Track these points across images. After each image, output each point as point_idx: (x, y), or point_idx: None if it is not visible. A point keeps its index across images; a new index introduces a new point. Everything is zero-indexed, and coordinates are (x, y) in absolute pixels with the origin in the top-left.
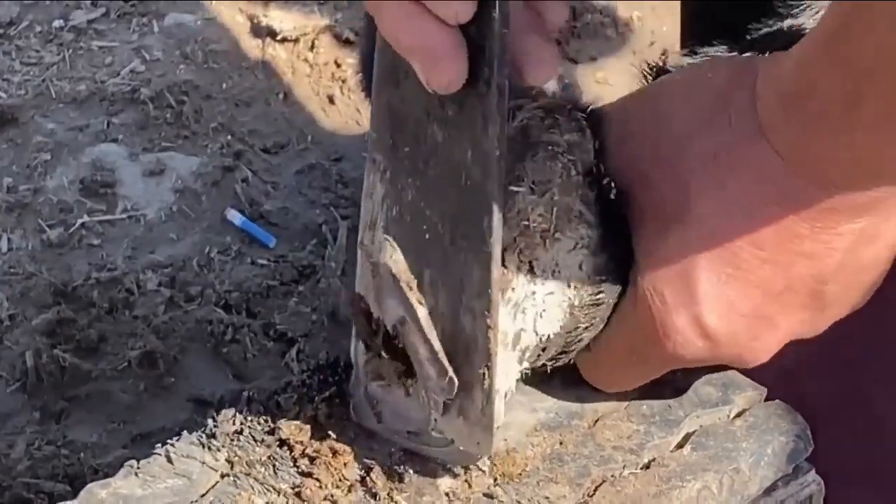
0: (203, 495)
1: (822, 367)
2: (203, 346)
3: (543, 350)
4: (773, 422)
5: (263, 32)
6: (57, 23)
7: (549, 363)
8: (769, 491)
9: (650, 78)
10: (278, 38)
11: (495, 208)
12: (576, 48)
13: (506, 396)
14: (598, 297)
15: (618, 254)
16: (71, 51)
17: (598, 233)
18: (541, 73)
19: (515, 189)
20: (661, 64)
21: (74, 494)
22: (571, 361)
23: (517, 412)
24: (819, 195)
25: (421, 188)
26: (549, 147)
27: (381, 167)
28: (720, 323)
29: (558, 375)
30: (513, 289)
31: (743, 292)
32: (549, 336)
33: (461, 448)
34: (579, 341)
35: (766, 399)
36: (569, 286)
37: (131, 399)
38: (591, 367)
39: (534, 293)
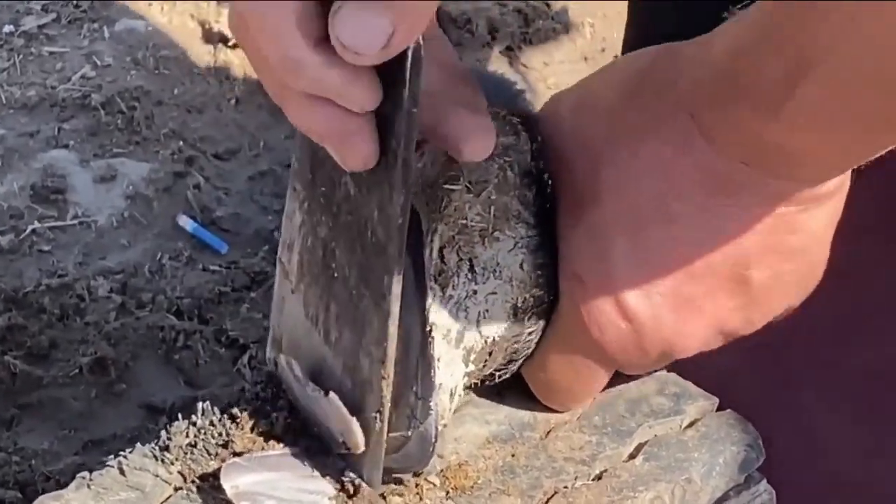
0: None
1: (757, 376)
2: (155, 353)
3: (490, 354)
4: (725, 431)
5: (215, 38)
6: (7, 28)
7: (499, 373)
8: (721, 501)
9: None
10: (230, 43)
11: (395, 271)
12: (527, 54)
13: (452, 394)
14: (540, 296)
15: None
16: (21, 56)
17: (538, 232)
18: (477, 146)
19: (452, 188)
20: None
21: (25, 501)
22: (517, 372)
23: (469, 425)
24: (737, 173)
25: (333, 228)
26: None
27: (300, 196)
28: (640, 303)
29: (511, 387)
30: (453, 286)
31: (661, 271)
32: (493, 339)
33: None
34: (527, 347)
35: (718, 409)
36: (511, 286)
37: (83, 406)
38: (541, 384)
39: (475, 292)
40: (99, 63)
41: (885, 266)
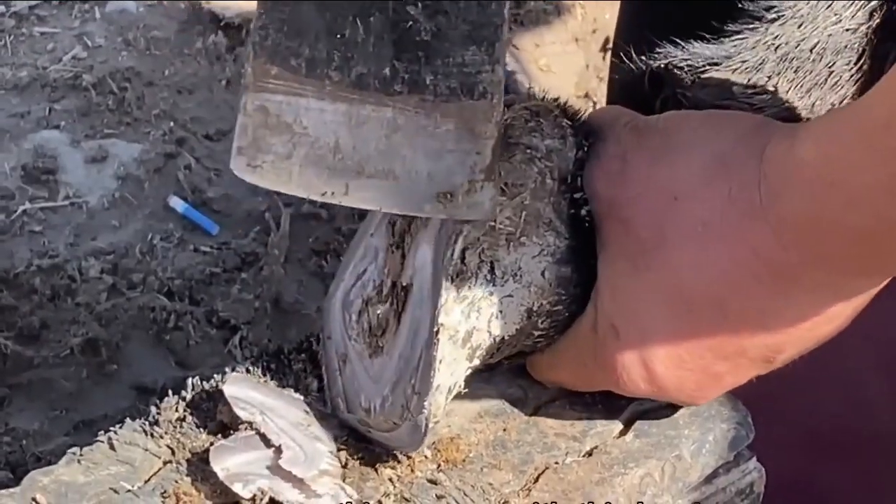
0: (146, 482)
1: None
2: (145, 334)
3: (498, 349)
4: (715, 409)
5: (206, 19)
6: None
7: (506, 361)
8: (710, 478)
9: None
10: (221, 24)
11: None
12: (518, 35)
13: (449, 392)
14: (556, 306)
15: (583, 266)
16: (12, 37)
17: (567, 243)
18: None
19: None
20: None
21: (16, 482)
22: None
23: (461, 399)
24: (802, 277)
25: None
26: (528, 150)
27: None
28: (667, 374)
29: (504, 363)
30: (469, 287)
31: (696, 351)
32: (503, 337)
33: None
34: (535, 345)
35: None
36: (529, 291)
37: (73, 386)
38: (540, 366)
39: (491, 294)
40: (90, 44)
41: None
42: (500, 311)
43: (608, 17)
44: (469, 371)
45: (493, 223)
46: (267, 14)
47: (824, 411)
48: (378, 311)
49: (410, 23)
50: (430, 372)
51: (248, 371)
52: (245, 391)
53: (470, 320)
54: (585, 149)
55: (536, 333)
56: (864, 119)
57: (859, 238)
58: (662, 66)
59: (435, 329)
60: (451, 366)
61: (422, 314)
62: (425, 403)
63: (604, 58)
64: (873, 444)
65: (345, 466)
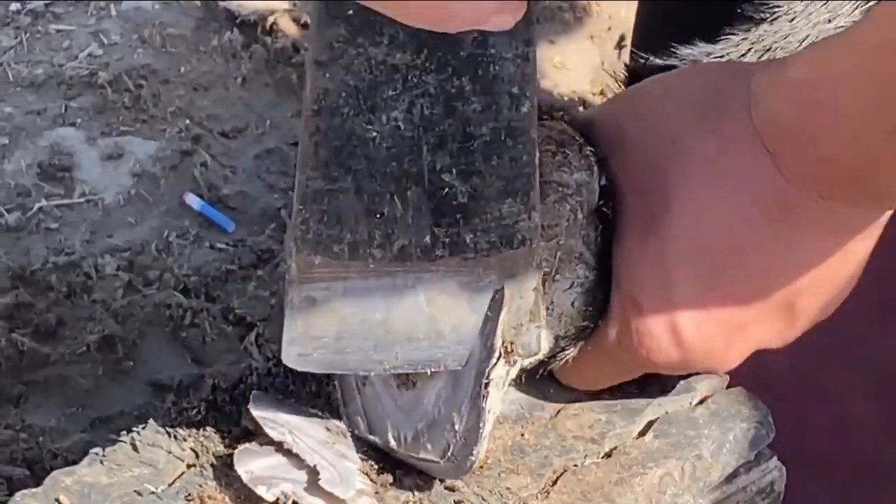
0: (170, 485)
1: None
2: (162, 331)
3: (522, 370)
4: (735, 408)
5: (221, 16)
6: (14, 6)
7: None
8: (731, 478)
9: (627, 80)
10: (237, 21)
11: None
12: None
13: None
14: (584, 327)
15: (609, 289)
16: (28, 34)
17: (595, 273)
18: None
19: None
20: (638, 66)
21: (33, 478)
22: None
23: None
24: (811, 206)
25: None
26: (560, 188)
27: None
28: (696, 333)
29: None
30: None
31: (720, 301)
32: (531, 363)
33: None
34: (562, 360)
35: (729, 385)
36: (559, 321)
37: (90, 383)
38: (568, 377)
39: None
40: (106, 41)
41: None
42: None
43: (623, 14)
44: (501, 395)
45: None
46: (306, 208)
47: (807, 429)
48: None
49: (447, 189)
50: (479, 423)
51: (269, 372)
52: (271, 412)
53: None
54: (606, 176)
55: (561, 354)
56: (855, 41)
57: (848, 159)
58: (666, 64)
59: (485, 382)
60: (495, 407)
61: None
62: (474, 451)
63: (619, 55)
64: (854, 466)
65: (365, 474)
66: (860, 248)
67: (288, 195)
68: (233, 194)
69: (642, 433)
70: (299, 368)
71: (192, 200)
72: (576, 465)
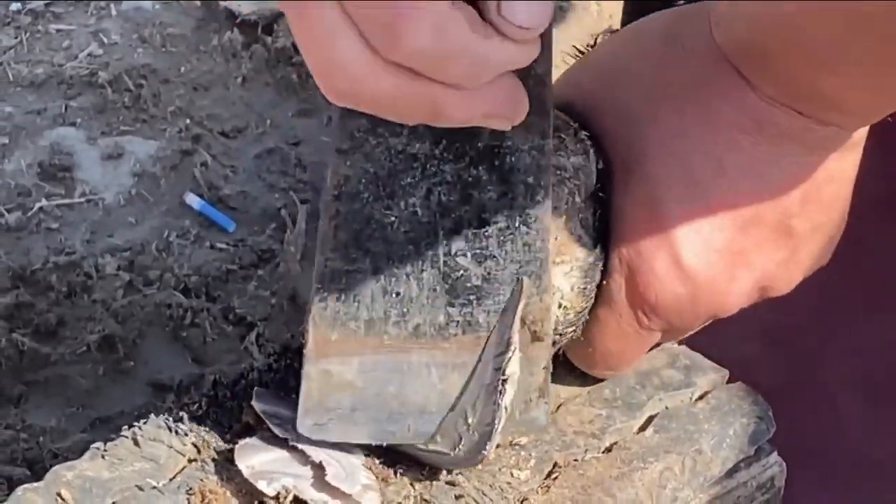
0: (171, 479)
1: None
2: (162, 330)
3: None
4: (735, 404)
5: (222, 16)
6: (14, 6)
7: None
8: (731, 473)
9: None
10: (237, 21)
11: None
12: None
13: None
14: (583, 309)
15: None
16: (28, 34)
17: (594, 254)
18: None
19: None
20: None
21: (34, 478)
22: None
23: None
24: (784, 121)
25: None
26: (557, 171)
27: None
28: (698, 261)
29: None
30: None
31: (714, 223)
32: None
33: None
34: (562, 342)
35: (728, 382)
36: (559, 307)
37: (90, 383)
38: (586, 357)
39: (554, 342)
40: (106, 41)
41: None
42: None
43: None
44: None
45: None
46: (324, 287)
47: (795, 428)
48: None
49: (461, 272)
50: (493, 418)
51: (269, 368)
52: (274, 407)
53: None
54: (602, 158)
55: (563, 333)
56: None
57: (813, 81)
58: None
59: (502, 378)
60: (510, 403)
61: (485, 361)
62: (487, 446)
63: None
64: (842, 465)
65: (367, 467)
66: (843, 167)
67: (288, 195)
68: (233, 194)
69: (642, 428)
70: (314, 437)
71: (193, 200)
72: (576, 460)
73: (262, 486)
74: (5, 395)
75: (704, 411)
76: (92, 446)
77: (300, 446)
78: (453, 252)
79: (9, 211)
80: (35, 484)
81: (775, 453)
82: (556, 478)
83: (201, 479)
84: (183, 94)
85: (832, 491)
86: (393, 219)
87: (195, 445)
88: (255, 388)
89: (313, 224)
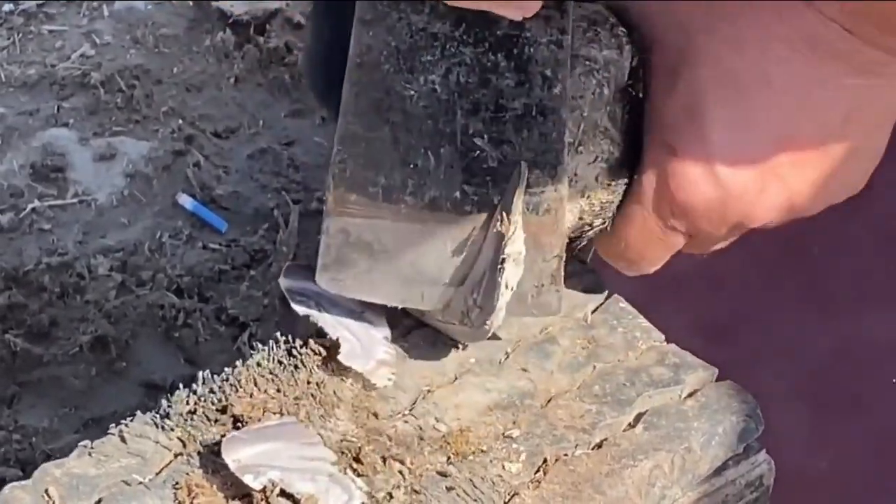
0: (157, 474)
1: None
2: (155, 331)
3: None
4: (725, 402)
5: (214, 16)
6: (7, 6)
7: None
8: (720, 470)
9: None
10: (229, 22)
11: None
12: None
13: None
14: (609, 200)
15: (636, 163)
16: (21, 35)
17: (620, 149)
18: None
19: None
20: None
21: (26, 479)
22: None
23: (470, 392)
24: (837, 41)
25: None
26: (587, 62)
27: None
28: (731, 168)
29: (512, 356)
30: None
31: (754, 137)
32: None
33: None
34: (589, 233)
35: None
36: (583, 196)
37: (83, 384)
38: (615, 252)
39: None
40: (98, 41)
41: (843, 250)
42: (555, 209)
43: None
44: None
45: None
46: (345, 149)
47: None
48: None
49: (478, 152)
50: (494, 294)
51: (258, 365)
52: (300, 283)
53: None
54: (639, 55)
55: (589, 225)
56: None
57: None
58: None
59: (502, 257)
60: (512, 281)
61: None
62: (488, 320)
63: None
64: (786, 476)
65: (356, 458)
66: (885, 98)
67: (280, 195)
68: (225, 194)
69: (632, 425)
70: (332, 291)
71: (185, 201)
72: (566, 455)
73: (248, 479)
74: None
75: (694, 409)
76: (79, 445)
77: (320, 323)
78: (471, 132)
79: (2, 212)
80: (23, 482)
81: (764, 451)
82: (546, 472)
83: (187, 473)
84: (175, 94)
85: None
86: (412, 92)
87: (181, 440)
88: (287, 263)
89: (305, 224)
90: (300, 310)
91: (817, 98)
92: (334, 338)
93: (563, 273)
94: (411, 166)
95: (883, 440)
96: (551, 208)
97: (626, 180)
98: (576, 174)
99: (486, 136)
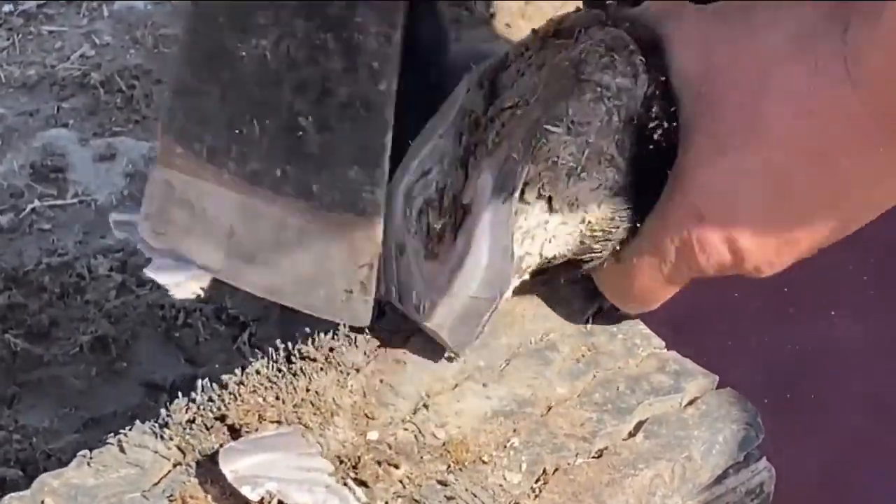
0: (155, 484)
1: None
2: (155, 331)
3: (549, 263)
4: (725, 410)
5: None
6: (6, 7)
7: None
8: (720, 479)
9: None
10: None
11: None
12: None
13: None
14: (611, 228)
15: (642, 191)
16: (20, 35)
17: (626, 179)
18: None
19: (552, 129)
20: None
21: (26, 479)
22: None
23: (470, 399)
24: (870, 122)
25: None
26: (598, 88)
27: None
28: (754, 246)
29: (512, 364)
30: (525, 218)
31: (785, 228)
32: (555, 256)
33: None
34: (590, 260)
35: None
36: (583, 221)
37: (83, 384)
38: (608, 279)
39: (546, 222)
40: (98, 42)
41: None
42: (554, 237)
43: None
44: (516, 284)
45: (555, 159)
46: (176, 98)
47: None
48: (437, 224)
49: (301, 133)
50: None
51: (257, 373)
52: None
53: (523, 247)
54: (656, 82)
55: (591, 250)
56: None
57: None
58: None
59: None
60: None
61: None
62: (476, 328)
63: None
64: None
65: (355, 467)
66: None
67: None
68: None
69: (632, 433)
70: (151, 242)
71: None
72: (568, 464)
73: (246, 490)
74: None
75: (694, 417)
76: (78, 454)
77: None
78: (295, 110)
79: (1, 212)
80: (21, 493)
81: (764, 459)
82: (546, 482)
83: (184, 483)
84: None
85: None
86: (243, 54)
87: (180, 449)
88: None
89: None
90: (122, 236)
91: (864, 197)
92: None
93: (374, 283)
94: (237, 131)
95: (844, 443)
96: (367, 211)
97: (628, 209)
98: (577, 199)
99: (310, 118)
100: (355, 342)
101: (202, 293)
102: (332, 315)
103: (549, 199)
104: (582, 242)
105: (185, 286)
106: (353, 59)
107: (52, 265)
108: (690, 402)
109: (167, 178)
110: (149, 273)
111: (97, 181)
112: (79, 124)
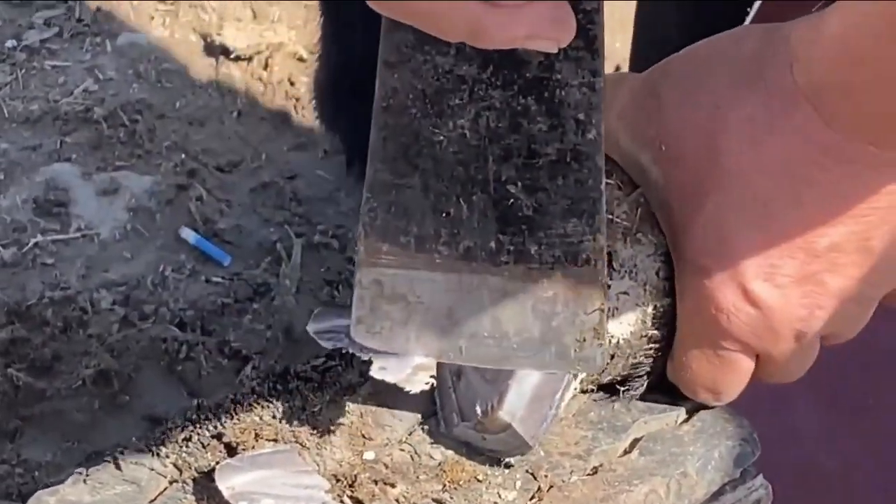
0: (152, 501)
1: None
2: (157, 364)
3: (611, 358)
4: (721, 426)
5: (217, 51)
6: (10, 42)
7: (620, 387)
8: (716, 495)
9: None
10: (232, 56)
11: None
12: None
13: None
14: (669, 308)
15: None
16: (24, 70)
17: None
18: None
19: (606, 181)
20: None
21: None
22: (640, 390)
23: None
24: (861, 154)
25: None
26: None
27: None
28: (766, 287)
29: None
30: None
31: (786, 254)
32: (618, 341)
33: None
34: (649, 360)
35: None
36: (644, 290)
37: (86, 418)
38: (687, 382)
39: (608, 286)
40: (101, 76)
41: None
42: (616, 308)
43: (619, 45)
44: (579, 382)
45: (610, 216)
46: (374, 197)
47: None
48: None
49: (512, 200)
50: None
51: (253, 392)
52: (327, 323)
53: None
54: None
55: (648, 343)
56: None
57: (890, 111)
58: None
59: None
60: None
61: None
62: (536, 432)
63: None
64: (796, 473)
65: (352, 485)
66: None
67: (283, 229)
68: (228, 228)
69: (627, 451)
70: (367, 345)
71: (188, 234)
72: (563, 482)
73: None
74: (1, 430)
75: (689, 434)
76: (75, 471)
77: (352, 350)
78: (503, 179)
79: (4, 247)
80: None
81: (761, 476)
82: (541, 499)
83: (181, 500)
84: (178, 128)
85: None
86: (441, 138)
87: (176, 466)
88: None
89: (308, 258)
90: (328, 345)
91: (851, 208)
92: (366, 357)
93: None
94: (444, 215)
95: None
96: (591, 259)
97: (662, 312)
98: (635, 265)
99: (519, 183)
100: (351, 363)
101: (434, 381)
102: (565, 368)
103: (610, 258)
104: (643, 321)
105: (415, 379)
106: (557, 115)
107: (55, 299)
108: (686, 419)
109: (375, 278)
110: (375, 375)
111: (100, 215)
112: (82, 159)
